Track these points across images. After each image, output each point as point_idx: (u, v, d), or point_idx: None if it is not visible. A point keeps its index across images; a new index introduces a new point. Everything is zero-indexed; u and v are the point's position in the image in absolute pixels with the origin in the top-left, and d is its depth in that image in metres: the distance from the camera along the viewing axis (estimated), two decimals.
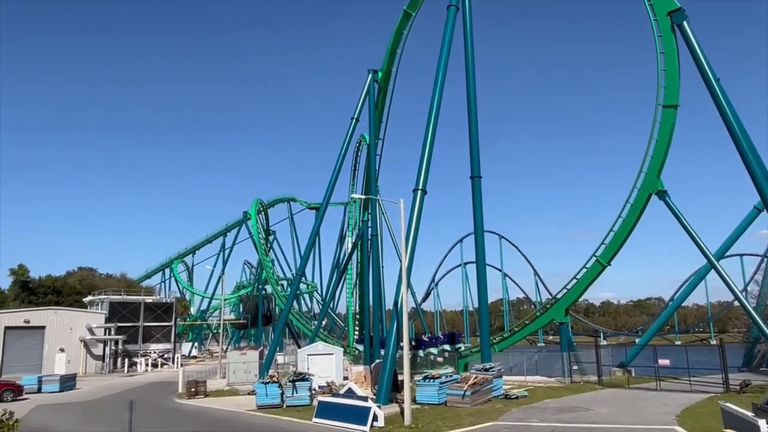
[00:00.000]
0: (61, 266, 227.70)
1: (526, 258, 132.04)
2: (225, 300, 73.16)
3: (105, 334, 63.34)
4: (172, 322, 74.99)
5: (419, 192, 31.99)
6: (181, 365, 59.90)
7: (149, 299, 77.94)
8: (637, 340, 60.68)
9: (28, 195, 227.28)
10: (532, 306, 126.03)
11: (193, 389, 34.92)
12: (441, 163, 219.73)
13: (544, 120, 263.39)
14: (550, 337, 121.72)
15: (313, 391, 30.29)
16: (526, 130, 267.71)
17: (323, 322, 71.18)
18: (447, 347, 49.96)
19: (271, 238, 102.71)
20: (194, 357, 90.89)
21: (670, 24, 35.18)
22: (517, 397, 28.71)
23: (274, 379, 30.28)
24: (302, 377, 30.17)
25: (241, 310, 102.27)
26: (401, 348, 26.41)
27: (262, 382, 29.67)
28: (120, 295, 75.86)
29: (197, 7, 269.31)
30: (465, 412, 24.59)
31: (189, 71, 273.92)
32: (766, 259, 65.33)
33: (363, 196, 45.73)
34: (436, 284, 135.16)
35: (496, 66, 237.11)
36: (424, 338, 53.75)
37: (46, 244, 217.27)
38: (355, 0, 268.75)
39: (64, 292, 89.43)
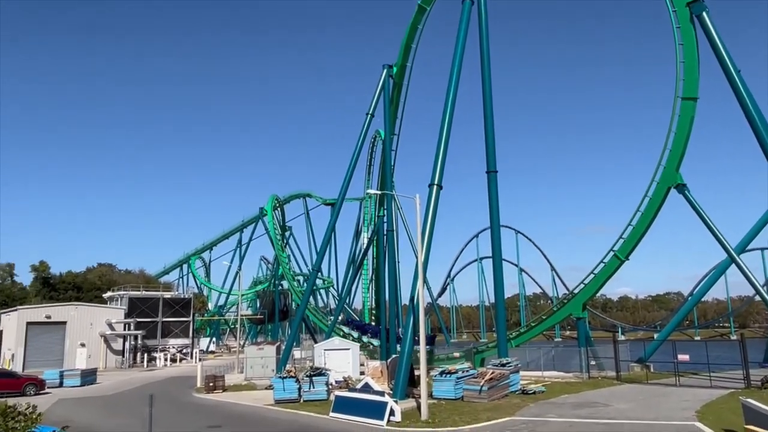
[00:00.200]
0: (81, 262, 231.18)
1: (542, 253, 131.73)
2: (242, 295, 73.83)
3: (124, 330, 64.11)
4: (190, 318, 75.67)
5: (435, 187, 31.91)
6: (200, 360, 60.47)
7: (168, 295, 78.70)
8: (655, 336, 60.25)
9: (49, 193, 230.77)
10: (549, 301, 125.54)
11: (211, 384, 35.26)
12: (456, 158, 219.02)
13: (560, 114, 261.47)
14: (567, 333, 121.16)
15: (330, 386, 30.42)
16: (542, 124, 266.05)
17: (339, 318, 71.26)
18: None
19: (287, 233, 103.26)
20: (212, 352, 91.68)
21: (689, 15, 34.72)
22: (534, 393, 28.59)
23: (292, 374, 30.47)
24: (319, 372, 30.33)
25: (258, 305, 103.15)
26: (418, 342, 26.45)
27: (280, 377, 29.87)
28: (139, 290, 76.71)
29: (213, 7, 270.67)
30: (482, 407, 24.55)
31: (205, 71, 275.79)
32: None
33: (378, 192, 45.81)
34: (452, 279, 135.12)
35: (511, 60, 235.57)
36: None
37: (66, 241, 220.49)
38: None
39: (85, 287, 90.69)
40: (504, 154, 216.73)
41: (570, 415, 21.93)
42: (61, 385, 41.00)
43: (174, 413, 26.41)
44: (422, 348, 24.18)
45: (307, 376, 29.67)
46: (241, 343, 70.56)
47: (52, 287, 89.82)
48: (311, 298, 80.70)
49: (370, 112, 47.61)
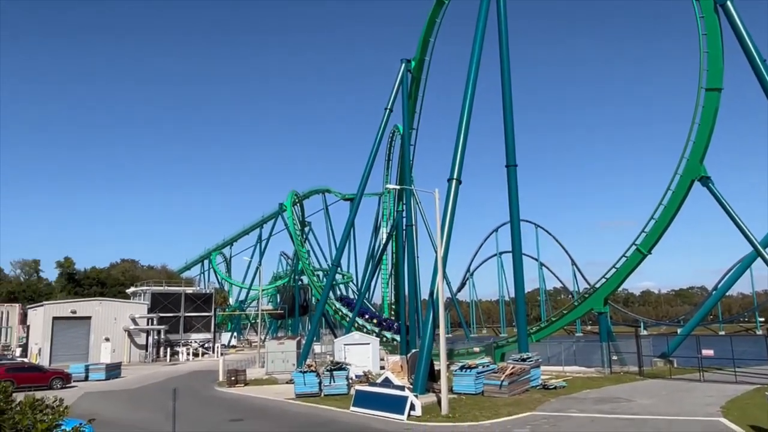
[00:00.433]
0: (104, 258, 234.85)
1: (563, 247, 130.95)
2: (262, 290, 74.31)
3: (148, 324, 65.02)
4: (212, 313, 76.49)
5: (454, 182, 31.80)
6: (221, 354, 61.10)
7: (189, 290, 79.67)
8: (679, 330, 59.45)
9: (73, 190, 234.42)
10: (570, 296, 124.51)
11: (233, 378, 35.62)
12: (475, 153, 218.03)
13: (581, 108, 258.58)
14: (589, 328, 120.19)
15: (350, 381, 30.55)
16: (563, 118, 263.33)
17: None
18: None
19: (306, 229, 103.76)
20: (233, 346, 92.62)
21: (713, 4, 34.06)
22: (555, 388, 28.43)
23: (312, 368, 30.66)
24: (339, 366, 30.45)
25: (278, 300, 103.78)
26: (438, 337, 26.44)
27: (300, 371, 30.07)
28: (161, 286, 77.78)
29: (236, 7, 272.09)
30: (502, 402, 24.49)
31: (225, 70, 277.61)
32: None
33: (397, 187, 45.73)
34: (472, 274, 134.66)
35: (529, 54, 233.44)
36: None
37: (90, 237, 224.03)
38: None
39: (108, 283, 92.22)
40: (524, 149, 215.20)
41: (592, 411, 21.78)
42: (86, 378, 41.70)
43: (197, 407, 26.76)
44: (442, 343, 24.18)
45: (327, 370, 29.82)
46: (262, 337, 71.16)
47: (77, 283, 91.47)
48: (330, 293, 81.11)
49: (389, 107, 47.55)
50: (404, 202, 50.98)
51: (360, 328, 59.29)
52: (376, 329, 61.96)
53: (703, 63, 35.00)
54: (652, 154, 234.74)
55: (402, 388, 24.06)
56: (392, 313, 70.41)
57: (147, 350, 63.98)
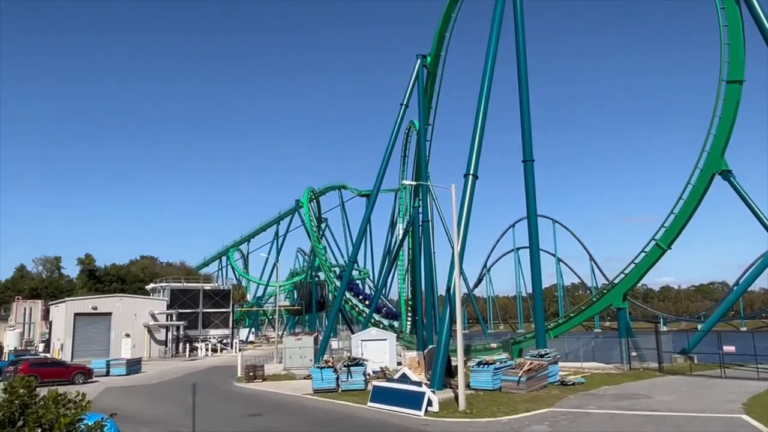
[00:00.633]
0: (124, 255, 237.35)
1: (581, 242, 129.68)
2: (280, 287, 74.65)
3: (167, 320, 65.71)
4: (230, 309, 77.05)
5: (470, 177, 31.69)
6: (240, 350, 61.58)
7: (208, 286, 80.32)
8: (699, 326, 58.69)
9: (93, 188, 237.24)
10: (588, 291, 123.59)
11: (251, 373, 35.92)
12: (492, 148, 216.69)
13: (598, 101, 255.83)
14: (607, 323, 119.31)
15: (368, 376, 30.64)
16: (579, 113, 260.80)
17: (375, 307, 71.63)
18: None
19: (323, 225, 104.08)
20: (251, 342, 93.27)
21: None
22: (573, 384, 28.26)
23: (329, 364, 30.81)
24: (357, 362, 30.57)
25: (295, 296, 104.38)
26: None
27: (318, 367, 30.23)
28: (180, 282, 78.52)
29: (248, 7, 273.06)
30: (520, 398, 24.40)
31: (241, 68, 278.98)
32: None
33: (414, 182, 45.69)
34: (488, 270, 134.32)
35: (546, 47, 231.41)
36: None
37: (110, 234, 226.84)
38: None
39: (128, 279, 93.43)
40: (540, 143, 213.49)
41: (611, 407, 21.63)
42: (107, 374, 42.31)
43: (216, 402, 27.04)
44: (459, 338, 24.16)
45: (344, 366, 29.95)
46: (280, 333, 71.57)
47: (98, 279, 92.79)
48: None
49: (405, 102, 47.46)
50: (420, 198, 50.93)
51: (353, 307, 59.98)
52: (367, 310, 62.85)
53: (723, 55, 34.48)
54: (672, 147, 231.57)
55: (419, 383, 24.08)
56: (408, 309, 70.33)
57: (166, 346, 64.65)
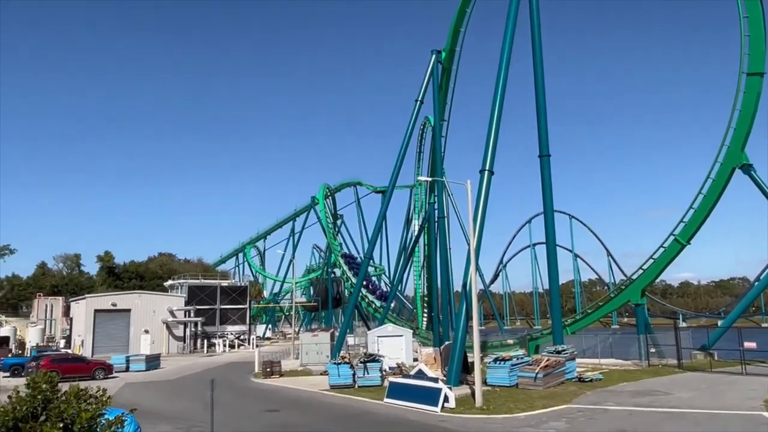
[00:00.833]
0: (142, 252, 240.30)
1: (598, 238, 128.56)
2: (296, 283, 75.06)
3: (185, 317, 66.37)
4: (247, 305, 77.63)
5: (486, 173, 31.56)
6: (257, 346, 62.02)
7: (225, 283, 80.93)
8: (719, 322, 58.04)
9: (111, 186, 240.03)
10: (605, 287, 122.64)
11: (268, 369, 36.16)
12: (508, 142, 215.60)
13: (615, 95, 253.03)
14: (625, 320, 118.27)
15: (384, 372, 30.69)
16: (596, 106, 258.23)
17: (392, 305, 71.76)
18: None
19: (338, 222, 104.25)
20: (268, 338, 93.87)
21: None
22: (591, 380, 28.07)
23: (346, 360, 30.90)
24: (373, 358, 30.61)
25: (311, 292, 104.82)
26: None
27: (334, 363, 30.33)
28: (198, 279, 79.22)
29: (266, 5, 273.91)
30: (537, 395, 24.29)
31: (258, 63, 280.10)
32: None
33: (429, 179, 45.60)
34: (504, 266, 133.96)
35: (561, 39, 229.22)
36: None
37: (128, 231, 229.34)
38: None
39: (147, 276, 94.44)
40: (557, 137, 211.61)
41: (629, 404, 21.45)
42: (127, 369, 42.81)
43: (234, 397, 27.25)
44: (475, 335, 24.08)
45: (361, 362, 30.01)
46: (296, 329, 72.03)
47: (117, 276, 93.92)
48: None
49: (420, 98, 47.34)
50: (436, 194, 50.83)
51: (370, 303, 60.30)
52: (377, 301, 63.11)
53: (744, 47, 33.94)
54: (691, 141, 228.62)
55: (436, 380, 24.07)
56: (424, 305, 70.35)
57: (185, 342, 65.32)
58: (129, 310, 62.19)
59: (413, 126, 48.48)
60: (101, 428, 7.94)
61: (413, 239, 75.01)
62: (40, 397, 7.72)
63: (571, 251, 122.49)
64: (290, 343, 57.67)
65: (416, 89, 47.79)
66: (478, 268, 28.82)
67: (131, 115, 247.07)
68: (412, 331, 46.33)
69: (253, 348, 61.33)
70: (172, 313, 64.77)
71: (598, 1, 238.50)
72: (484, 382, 25.55)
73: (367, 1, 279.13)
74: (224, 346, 67.32)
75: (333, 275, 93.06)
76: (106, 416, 8.12)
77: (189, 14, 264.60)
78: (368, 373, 29.36)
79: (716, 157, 35.53)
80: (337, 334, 48.22)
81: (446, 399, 22.11)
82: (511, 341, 50.16)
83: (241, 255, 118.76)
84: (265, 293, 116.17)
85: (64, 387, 8.17)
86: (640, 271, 39.47)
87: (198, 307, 69.43)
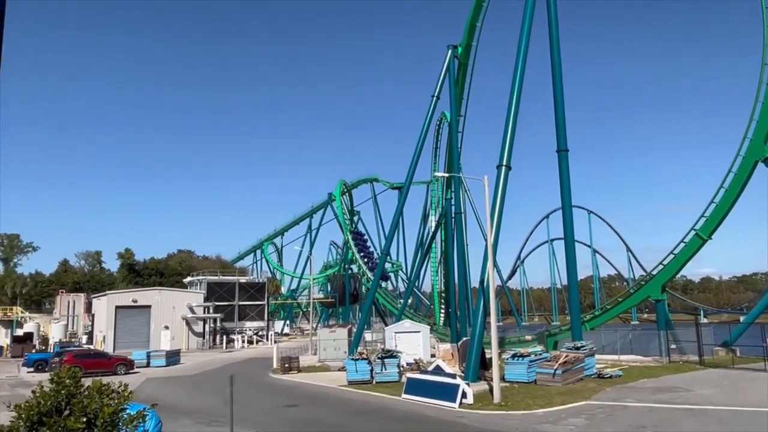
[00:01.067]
0: (162, 249, 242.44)
1: (617, 233, 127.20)
2: (313, 279, 75.39)
3: (204, 313, 67.02)
4: (265, 301, 78.18)
5: (503, 168, 31.41)
6: (275, 342, 62.43)
7: (243, 279, 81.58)
8: (742, 318, 57.15)
9: (131, 183, 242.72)
10: (625, 283, 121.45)
11: (286, 365, 36.40)
12: (525, 135, 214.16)
13: (634, 87, 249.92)
14: (645, 316, 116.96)
15: (402, 368, 30.75)
16: (614, 99, 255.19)
17: (409, 301, 71.82)
18: None
19: (355, 218, 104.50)
20: (286, 334, 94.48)
21: None
22: (610, 377, 27.85)
23: (363, 356, 30.99)
24: (390, 354, 30.66)
25: (328, 289, 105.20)
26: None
27: (352, 359, 30.44)
28: (216, 275, 79.95)
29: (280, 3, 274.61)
30: (556, 391, 24.15)
31: (273, 58, 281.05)
32: None
33: (446, 174, 45.51)
34: (522, 261, 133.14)
35: (579, 32, 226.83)
36: None
37: (148, 229, 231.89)
38: None
39: (166, 273, 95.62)
40: (574, 130, 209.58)
41: (649, 400, 21.24)
42: (148, 365, 43.34)
43: (253, 393, 27.48)
44: (493, 331, 24.02)
45: (378, 358, 30.07)
46: (314, 325, 72.33)
47: (137, 273, 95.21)
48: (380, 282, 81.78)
49: (436, 94, 47.20)
50: (453, 189, 50.69)
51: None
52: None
53: (766, 38, 33.31)
54: (712, 134, 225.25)
55: (453, 375, 24.04)
56: (442, 301, 70.30)
57: (204, 338, 65.96)
58: (149, 307, 62.91)
59: (429, 122, 48.39)
60: (123, 423, 8.06)
61: (430, 235, 74.98)
62: (63, 392, 7.85)
63: (589, 247, 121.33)
64: (308, 339, 57.98)
65: (432, 85, 47.69)
66: (495, 264, 28.72)
67: (151, 113, 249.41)
68: (429, 327, 46.32)
69: (271, 344, 61.73)
70: (191, 309, 65.42)
71: None
72: (502, 378, 25.47)
73: None
74: (243, 342, 67.86)
75: (350, 271, 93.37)
76: (128, 411, 8.24)
77: (208, 7, 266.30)
78: (386, 369, 29.41)
79: (738, 150, 34.98)
80: (354, 330, 48.37)
81: (464, 395, 22.08)
82: (529, 337, 49.92)
83: (258, 251, 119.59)
84: (283, 289, 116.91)
85: (87, 382, 8.29)
86: (661, 267, 39.02)
87: (217, 303, 70.04)
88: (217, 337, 68.35)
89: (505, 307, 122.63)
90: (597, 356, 31.83)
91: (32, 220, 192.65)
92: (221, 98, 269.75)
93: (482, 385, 25.27)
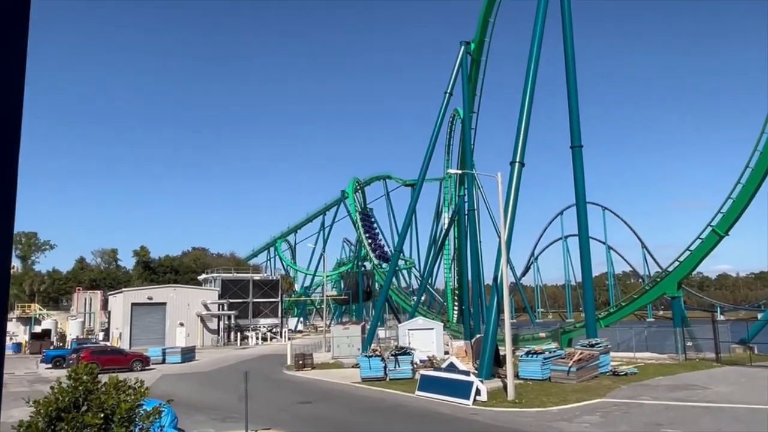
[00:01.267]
0: (176, 246, 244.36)
1: (632, 230, 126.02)
2: (327, 277, 75.55)
3: (219, 310, 67.49)
4: (279, 298, 78.52)
5: (517, 165, 31.25)
6: (289, 339, 62.68)
7: (257, 277, 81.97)
8: (759, 315, 56.43)
9: (146, 181, 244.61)
10: (640, 280, 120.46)
11: (300, 362, 36.56)
12: (538, 131, 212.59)
13: (649, 82, 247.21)
14: (661, 313, 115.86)
15: (415, 365, 30.75)
16: (629, 94, 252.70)
17: (422, 298, 71.70)
18: None
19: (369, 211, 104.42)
20: (300, 331, 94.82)
21: None
22: (626, 374, 27.67)
23: (377, 353, 31.04)
24: (404, 351, 30.69)
25: (342, 286, 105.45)
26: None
27: (366, 356, 30.51)
28: (230, 273, 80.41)
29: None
30: (570, 389, 24.04)
31: (286, 55, 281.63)
32: None
33: (459, 171, 45.34)
34: (536, 258, 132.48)
35: (593, 26, 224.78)
36: None
37: (163, 226, 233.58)
38: None
39: (181, 270, 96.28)
40: (588, 125, 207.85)
41: (665, 398, 21.08)
42: (163, 361, 43.74)
43: (267, 389, 27.63)
44: (507, 327, 23.95)
45: (392, 355, 30.12)
46: (327, 322, 72.53)
47: (152, 270, 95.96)
48: (394, 279, 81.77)
49: (449, 90, 47.00)
50: (466, 186, 50.51)
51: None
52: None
53: None
54: (729, 129, 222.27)
55: (467, 373, 24.01)
56: (455, 298, 70.15)
57: (218, 335, 66.42)
58: (164, 304, 63.45)
59: (442, 118, 48.21)
60: (140, 418, 8.16)
61: (443, 232, 74.71)
62: (81, 388, 7.96)
63: (604, 243, 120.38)
64: (322, 336, 58.14)
65: (445, 81, 47.50)
66: (509, 261, 28.62)
67: (164, 111, 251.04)
68: (442, 324, 46.23)
69: (285, 341, 62.02)
70: (206, 306, 65.90)
71: None
72: (516, 376, 25.41)
73: None
74: (257, 338, 68.20)
75: (363, 269, 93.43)
76: (144, 407, 8.34)
77: (219, 4, 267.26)
78: (399, 366, 29.46)
79: (755, 146, 34.47)
80: (368, 327, 48.43)
81: (478, 392, 22.06)
82: (543, 334, 49.63)
83: (272, 249, 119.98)
84: (297, 287, 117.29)
85: (104, 378, 8.40)
86: (677, 263, 38.62)
87: (231, 300, 70.48)
88: (232, 334, 68.77)
89: (518, 304, 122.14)
90: (612, 354, 31.64)
91: (49, 219, 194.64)
92: (235, 97, 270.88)
93: (496, 383, 25.22)
